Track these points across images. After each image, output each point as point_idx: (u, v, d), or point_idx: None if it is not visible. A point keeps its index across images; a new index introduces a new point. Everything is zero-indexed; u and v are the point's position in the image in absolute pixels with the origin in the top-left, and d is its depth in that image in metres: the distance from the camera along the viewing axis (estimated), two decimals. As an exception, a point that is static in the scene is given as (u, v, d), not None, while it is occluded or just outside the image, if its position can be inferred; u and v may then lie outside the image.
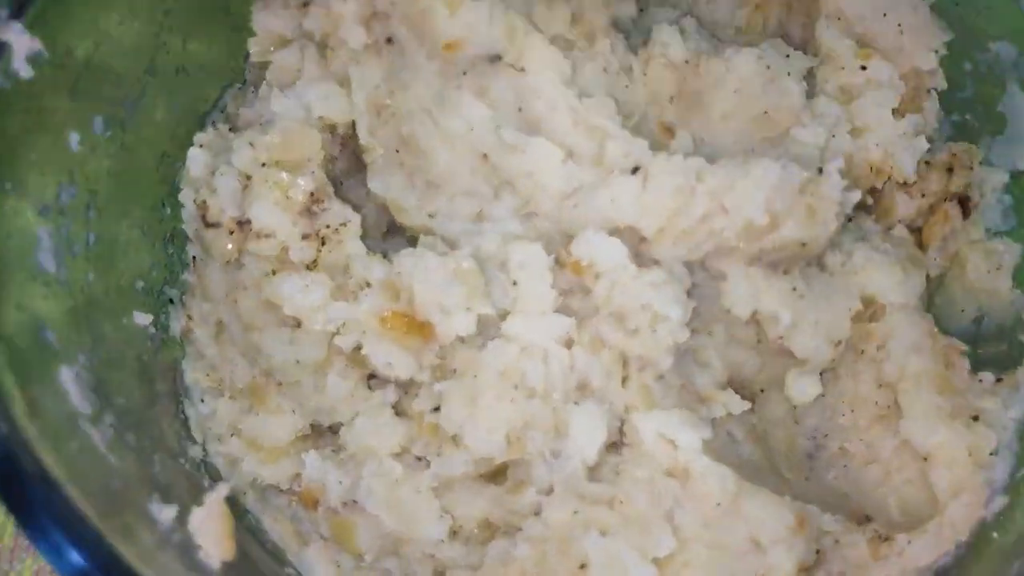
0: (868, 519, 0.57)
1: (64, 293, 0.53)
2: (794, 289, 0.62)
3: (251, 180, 0.61)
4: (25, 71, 0.50)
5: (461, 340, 0.58)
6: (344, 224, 0.62)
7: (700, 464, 0.52)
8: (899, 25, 0.67)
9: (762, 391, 0.65)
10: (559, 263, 0.59)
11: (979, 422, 0.56)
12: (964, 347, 0.61)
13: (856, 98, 0.66)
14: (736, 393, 0.63)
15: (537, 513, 0.54)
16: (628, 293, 0.58)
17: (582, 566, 0.53)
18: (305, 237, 0.61)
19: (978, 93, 0.68)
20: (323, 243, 0.62)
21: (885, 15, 0.67)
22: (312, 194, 0.61)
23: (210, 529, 0.50)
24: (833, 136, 0.65)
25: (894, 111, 0.66)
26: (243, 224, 0.62)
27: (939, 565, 0.53)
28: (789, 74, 0.65)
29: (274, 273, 0.61)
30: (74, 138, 0.55)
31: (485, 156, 0.61)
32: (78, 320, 0.54)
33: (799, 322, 0.61)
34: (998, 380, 0.59)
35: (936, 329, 0.61)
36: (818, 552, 0.54)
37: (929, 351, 0.59)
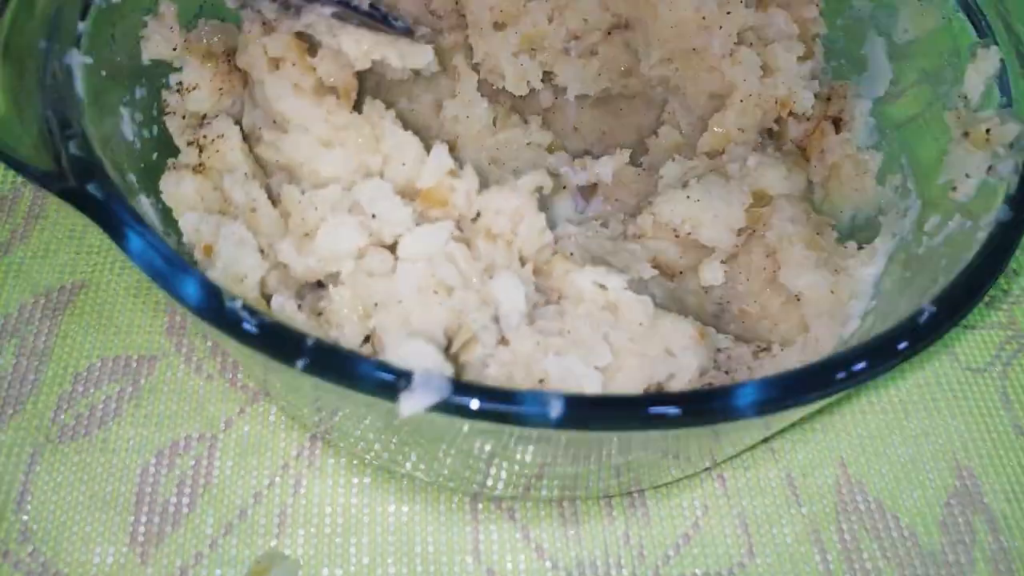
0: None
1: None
2: (688, 197, 0.79)
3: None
4: None
5: (370, 276, 0.64)
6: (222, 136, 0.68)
7: (626, 297, 0.68)
8: (786, -14, 0.86)
9: (681, 273, 0.82)
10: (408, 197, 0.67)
11: (840, 273, 0.73)
12: (832, 221, 0.79)
13: (768, 44, 0.84)
14: (660, 274, 0.81)
15: (506, 343, 0.69)
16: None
17: (541, 380, 0.68)
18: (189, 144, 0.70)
19: (847, 42, 0.87)
20: (201, 150, 0.69)
21: None
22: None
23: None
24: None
25: (798, 58, 0.84)
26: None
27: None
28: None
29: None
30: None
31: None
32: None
33: (699, 221, 0.78)
34: (859, 247, 0.76)
35: (811, 209, 0.79)
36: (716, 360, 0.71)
37: (804, 222, 0.76)
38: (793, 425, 0.80)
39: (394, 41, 0.68)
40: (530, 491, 0.71)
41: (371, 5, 0.68)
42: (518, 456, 0.64)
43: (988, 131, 0.66)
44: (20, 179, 0.90)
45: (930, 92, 0.77)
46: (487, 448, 0.63)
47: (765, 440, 0.79)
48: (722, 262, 0.78)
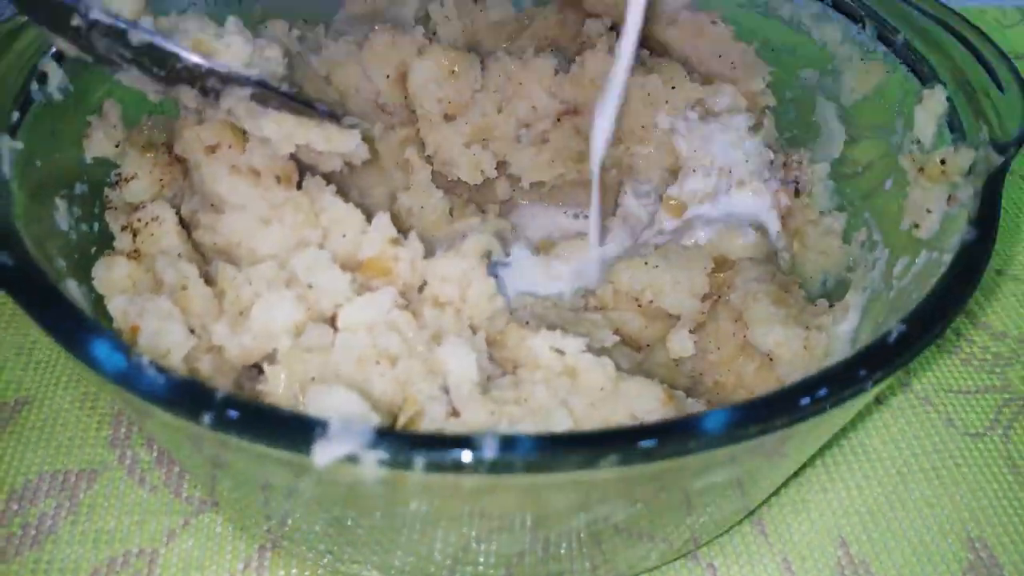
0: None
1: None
2: (646, 264, 0.76)
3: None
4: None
5: (308, 351, 0.60)
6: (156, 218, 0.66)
7: (585, 360, 0.64)
8: (732, 63, 0.87)
9: (648, 345, 0.78)
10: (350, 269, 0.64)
11: (813, 330, 0.69)
12: (799, 280, 0.75)
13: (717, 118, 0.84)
14: (625, 345, 0.77)
15: (458, 416, 0.64)
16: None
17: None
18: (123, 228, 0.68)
19: (798, 112, 0.87)
20: (135, 235, 0.67)
21: (720, 56, 0.87)
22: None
23: None
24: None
25: (748, 128, 0.84)
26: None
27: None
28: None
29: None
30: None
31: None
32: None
33: (660, 288, 0.75)
34: (830, 306, 0.73)
35: (777, 271, 0.76)
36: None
37: (769, 281, 0.73)
38: (781, 499, 0.73)
39: (318, 125, 0.67)
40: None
41: (291, 87, 0.68)
42: (473, 536, 0.58)
43: (943, 162, 0.64)
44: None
45: (884, 144, 0.76)
46: (437, 529, 0.57)
47: (751, 513, 0.72)
48: (690, 332, 0.74)
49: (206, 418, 0.46)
